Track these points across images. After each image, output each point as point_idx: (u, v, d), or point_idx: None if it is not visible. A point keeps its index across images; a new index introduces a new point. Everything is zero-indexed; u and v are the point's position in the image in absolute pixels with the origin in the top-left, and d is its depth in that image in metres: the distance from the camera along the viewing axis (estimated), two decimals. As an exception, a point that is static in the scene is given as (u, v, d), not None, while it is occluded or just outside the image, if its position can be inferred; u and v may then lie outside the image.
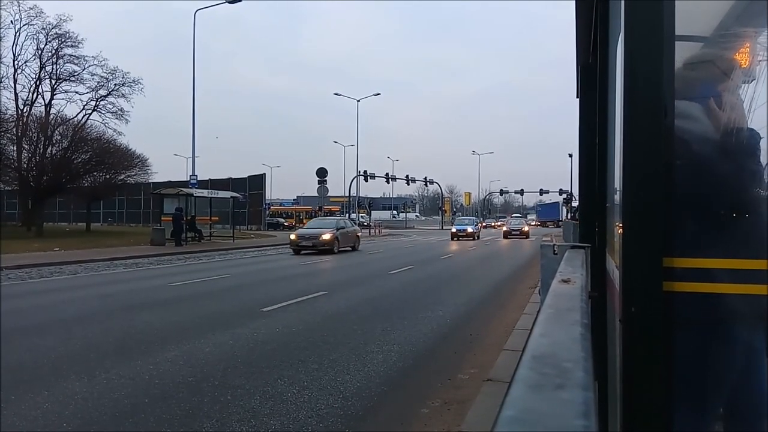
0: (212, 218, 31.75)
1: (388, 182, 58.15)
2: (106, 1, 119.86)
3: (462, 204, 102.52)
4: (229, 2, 30.12)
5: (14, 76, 38.98)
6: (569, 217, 36.50)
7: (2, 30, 36.19)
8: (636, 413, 1.39)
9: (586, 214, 3.24)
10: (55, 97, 39.92)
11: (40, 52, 38.47)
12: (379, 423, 4.38)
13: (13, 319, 8.21)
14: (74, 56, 39.15)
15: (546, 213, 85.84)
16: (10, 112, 36.49)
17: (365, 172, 53.99)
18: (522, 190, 79.83)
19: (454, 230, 38.01)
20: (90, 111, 39.92)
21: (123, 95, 39.85)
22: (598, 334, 2.29)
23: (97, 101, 39.87)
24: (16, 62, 38.91)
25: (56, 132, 36.08)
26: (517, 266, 18.00)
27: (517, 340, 6.65)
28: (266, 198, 52.37)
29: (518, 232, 41.75)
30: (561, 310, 1.05)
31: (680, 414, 1.54)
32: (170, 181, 47.82)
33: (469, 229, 37.32)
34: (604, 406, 2.26)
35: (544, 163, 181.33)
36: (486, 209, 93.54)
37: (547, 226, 71.18)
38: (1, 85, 36.46)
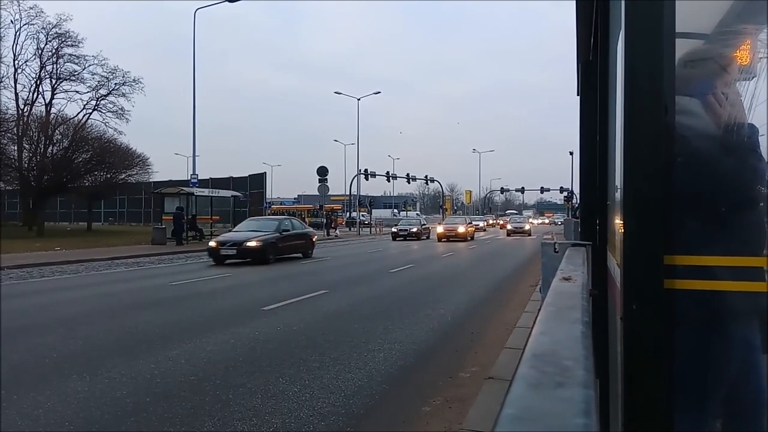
0: (213, 217, 31.77)
1: (389, 181, 58.17)
2: (106, 0, 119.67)
3: (463, 202, 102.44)
4: (229, 1, 30.09)
5: (14, 75, 39.06)
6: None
7: (2, 30, 36.21)
8: (637, 411, 1.39)
9: (587, 212, 3.24)
10: (55, 96, 40.01)
11: (40, 51, 38.55)
12: (381, 421, 4.39)
13: (14, 319, 8.23)
14: (74, 55, 39.23)
15: None
16: (10, 111, 36.60)
17: (366, 170, 53.99)
18: (523, 188, 79.43)
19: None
20: (90, 110, 40.00)
21: (123, 94, 39.96)
22: (599, 331, 2.29)
23: (97, 100, 39.96)
24: (16, 62, 38.99)
25: (57, 131, 36.15)
26: (518, 265, 18.00)
27: (518, 338, 6.65)
28: (267, 197, 52.37)
29: None
30: (562, 308, 1.05)
31: (681, 411, 1.54)
32: (171, 180, 47.80)
33: None
34: (605, 404, 2.26)
35: (545, 161, 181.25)
36: (486, 207, 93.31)
37: None
38: (2, 84, 36.53)
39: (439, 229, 33.82)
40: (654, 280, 1.37)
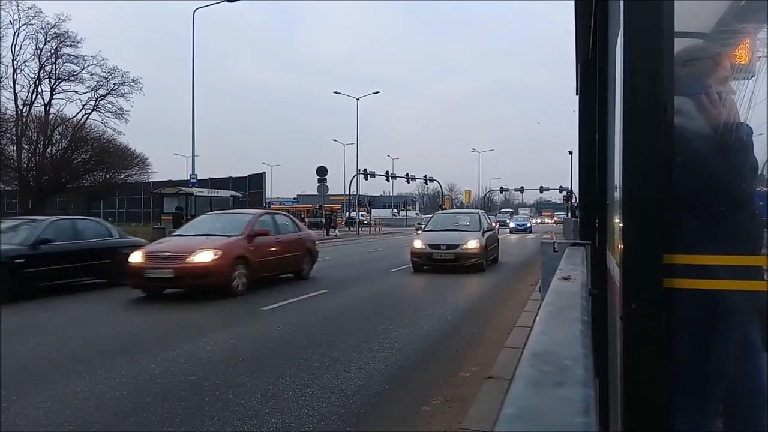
0: (212, 217, 31.70)
1: (388, 180, 58.08)
2: (105, 0, 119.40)
3: (462, 202, 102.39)
4: (229, 0, 30.06)
5: (13, 76, 38.87)
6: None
7: (1, 30, 36.15)
8: (637, 410, 1.39)
9: (586, 212, 3.25)
10: (54, 96, 39.82)
11: (39, 51, 38.39)
12: (381, 421, 4.39)
13: (14, 319, 8.22)
14: (73, 56, 39.05)
15: None
16: (9, 112, 36.39)
17: (365, 170, 53.94)
18: (522, 187, 79.26)
19: None
20: (89, 110, 39.85)
21: (122, 95, 39.78)
22: (599, 331, 2.29)
23: (96, 101, 39.81)
24: (15, 62, 38.85)
25: (56, 132, 36.09)
26: (518, 264, 18.00)
27: (517, 337, 6.65)
28: (266, 197, 52.38)
29: None
30: (561, 308, 1.05)
31: (681, 410, 1.55)
32: (170, 180, 47.77)
33: None
34: (605, 404, 2.26)
35: (545, 161, 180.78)
36: (486, 207, 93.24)
37: None
38: (1, 85, 36.45)
39: (134, 257, 10.48)
40: (653, 279, 1.38)
